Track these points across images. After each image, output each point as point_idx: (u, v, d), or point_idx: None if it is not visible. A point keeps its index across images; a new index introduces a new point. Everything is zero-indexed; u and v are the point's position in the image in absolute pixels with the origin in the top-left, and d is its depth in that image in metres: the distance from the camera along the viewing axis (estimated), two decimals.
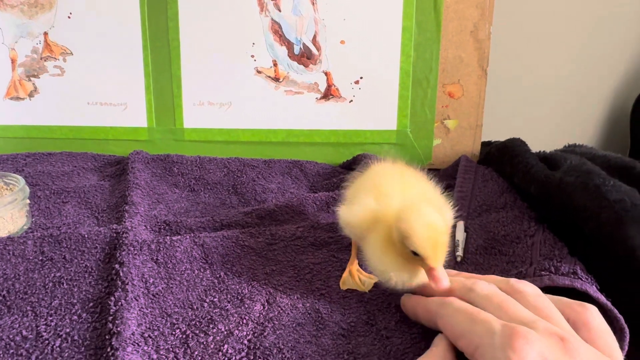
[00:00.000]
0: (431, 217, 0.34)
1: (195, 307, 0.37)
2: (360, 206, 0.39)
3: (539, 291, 0.32)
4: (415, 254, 0.33)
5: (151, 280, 0.39)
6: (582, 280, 0.37)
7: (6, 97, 0.68)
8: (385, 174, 0.42)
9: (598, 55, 0.85)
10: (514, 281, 0.32)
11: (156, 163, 0.63)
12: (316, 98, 0.66)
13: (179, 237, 0.45)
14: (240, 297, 0.38)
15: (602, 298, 0.34)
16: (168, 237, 0.44)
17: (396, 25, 0.63)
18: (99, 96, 0.68)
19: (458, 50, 0.64)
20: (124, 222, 0.48)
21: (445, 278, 0.33)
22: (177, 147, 0.68)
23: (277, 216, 0.52)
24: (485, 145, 0.68)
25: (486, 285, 0.32)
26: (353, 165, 0.65)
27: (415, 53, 0.64)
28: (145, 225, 0.49)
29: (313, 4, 0.64)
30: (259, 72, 0.66)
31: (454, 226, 0.50)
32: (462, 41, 0.64)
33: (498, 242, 0.46)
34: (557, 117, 0.88)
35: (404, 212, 0.35)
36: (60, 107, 0.68)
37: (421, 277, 0.36)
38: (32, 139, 0.69)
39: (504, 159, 0.52)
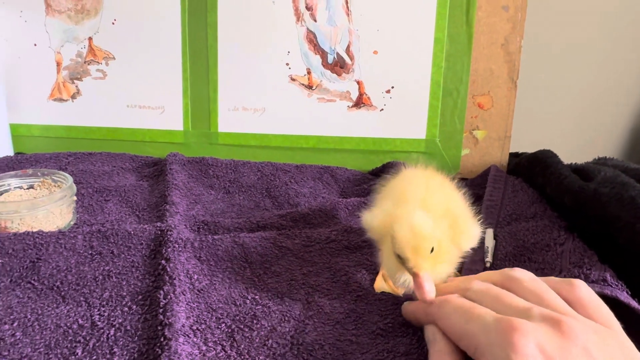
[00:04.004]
0: (416, 222, 0.34)
1: (238, 303, 0.39)
2: (380, 210, 0.41)
3: (533, 275, 0.32)
4: (400, 258, 0.34)
5: (195, 277, 0.41)
6: (611, 287, 0.38)
7: (50, 98, 0.71)
8: (412, 181, 0.44)
9: (626, 68, 0.85)
10: (507, 270, 0.33)
11: (192, 165, 0.66)
12: (348, 106, 0.68)
13: (220, 236, 0.47)
14: (280, 296, 0.40)
15: (634, 303, 0.35)
16: (210, 236, 0.46)
17: (428, 36, 0.65)
18: (138, 99, 0.70)
19: (489, 63, 0.66)
20: (166, 220, 0.50)
21: (430, 287, 0.33)
22: (211, 151, 0.70)
23: (310, 219, 0.54)
24: (513, 156, 0.69)
25: (481, 282, 0.33)
26: (382, 172, 0.67)
27: (447, 64, 0.65)
28: (185, 224, 0.51)
29: (348, 15, 0.65)
30: (293, 79, 0.68)
31: (483, 233, 0.51)
32: (493, 54, 0.65)
33: (527, 249, 0.47)
34: (584, 130, 0.88)
35: (397, 217, 0.36)
36: (100, 109, 0.71)
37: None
38: (72, 139, 0.72)
39: (535, 169, 0.53)
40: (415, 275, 0.34)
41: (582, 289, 0.30)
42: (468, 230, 0.39)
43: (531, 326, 0.27)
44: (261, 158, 0.69)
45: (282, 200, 0.60)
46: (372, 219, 0.41)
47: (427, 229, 0.34)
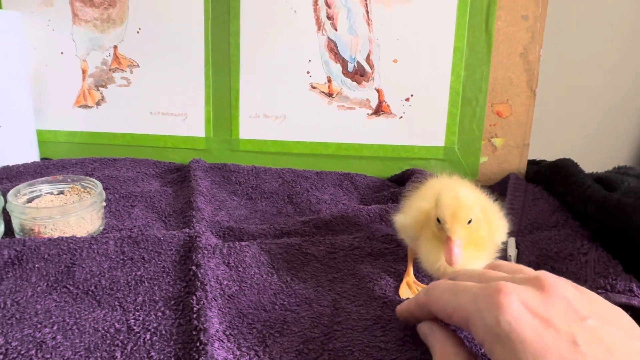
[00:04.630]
0: (460, 191, 0.38)
1: (267, 309, 0.40)
2: (415, 209, 0.43)
3: (515, 264, 0.35)
4: (439, 221, 0.37)
5: (225, 282, 0.42)
6: (638, 297, 0.38)
7: (75, 105, 0.73)
8: (443, 185, 0.45)
9: None
10: (491, 262, 0.36)
11: (214, 171, 0.67)
12: (367, 114, 0.69)
13: (247, 242, 0.48)
14: (308, 302, 0.41)
15: None
16: (237, 243, 0.47)
17: (448, 45, 0.66)
18: (161, 106, 0.72)
19: (508, 72, 0.66)
20: (193, 226, 0.51)
21: (458, 253, 0.36)
22: (232, 157, 0.72)
23: (333, 226, 0.55)
24: (531, 163, 0.69)
25: (466, 269, 0.35)
26: (402, 179, 0.68)
27: (466, 73, 0.66)
28: (211, 231, 0.52)
29: (368, 24, 0.66)
30: (313, 87, 0.69)
31: (505, 242, 0.52)
32: (512, 63, 0.66)
33: (551, 258, 0.47)
34: (601, 139, 0.88)
35: (442, 186, 0.39)
36: (124, 116, 0.72)
37: (469, 264, 0.38)
38: (96, 145, 0.73)
39: (556, 178, 0.54)
40: (448, 240, 0.36)
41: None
42: (500, 225, 0.42)
43: (514, 286, 0.28)
44: (281, 164, 0.70)
45: (304, 206, 0.61)
46: (406, 218, 0.44)
47: (469, 199, 0.37)
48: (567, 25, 0.82)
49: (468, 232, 0.37)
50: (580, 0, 0.81)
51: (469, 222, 0.37)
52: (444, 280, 0.33)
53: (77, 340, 0.35)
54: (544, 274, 0.29)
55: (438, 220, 0.37)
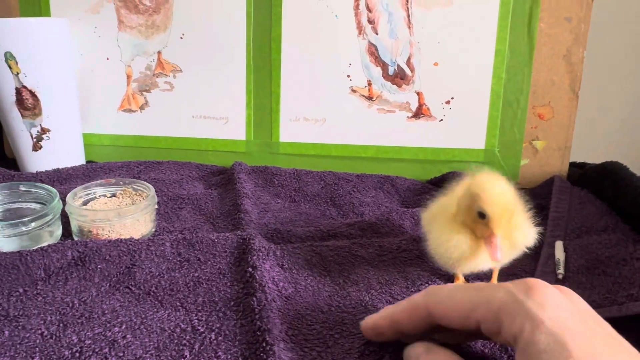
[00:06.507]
0: (504, 186, 0.38)
1: (324, 310, 0.41)
2: (434, 203, 0.45)
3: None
4: (481, 216, 0.37)
5: (281, 284, 0.43)
6: None
7: (120, 109, 0.75)
8: (478, 180, 0.45)
9: None
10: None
11: (257, 174, 0.68)
12: (407, 117, 0.69)
13: (299, 244, 0.49)
14: (363, 304, 0.42)
15: None
16: (289, 245, 0.48)
17: (489, 48, 0.66)
18: (203, 110, 0.73)
19: (550, 74, 0.66)
20: (243, 229, 0.52)
21: (501, 252, 0.36)
22: (272, 160, 0.73)
23: (378, 229, 0.55)
24: (572, 166, 0.69)
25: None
26: (442, 182, 0.68)
27: (507, 75, 0.66)
28: (260, 233, 0.53)
29: (409, 27, 0.67)
30: (353, 90, 0.70)
31: (552, 246, 0.52)
32: (555, 65, 0.66)
33: (602, 262, 0.47)
34: None
35: (478, 180, 0.39)
36: (167, 120, 0.74)
37: (476, 257, 0.39)
38: (140, 148, 0.75)
39: (604, 181, 0.53)
40: (491, 235, 0.37)
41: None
42: (522, 226, 0.41)
43: (545, 283, 0.28)
44: (320, 167, 0.71)
45: (347, 209, 0.62)
46: (426, 212, 0.46)
47: (513, 195, 0.38)
48: (610, 26, 0.81)
49: (506, 230, 0.38)
50: (624, 1, 0.80)
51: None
52: (444, 285, 0.33)
53: (147, 340, 0.36)
54: (530, 280, 0.28)
55: (480, 214, 0.37)
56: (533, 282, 0.28)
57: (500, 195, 0.37)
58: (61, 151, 0.71)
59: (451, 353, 0.31)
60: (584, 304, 0.28)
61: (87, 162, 0.75)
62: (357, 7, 0.67)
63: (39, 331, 0.37)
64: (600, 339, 0.25)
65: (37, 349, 0.35)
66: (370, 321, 0.35)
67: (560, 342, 0.24)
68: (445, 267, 0.43)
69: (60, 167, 0.69)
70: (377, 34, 0.67)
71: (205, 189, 0.66)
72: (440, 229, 0.41)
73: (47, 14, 0.73)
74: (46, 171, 0.68)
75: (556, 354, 0.24)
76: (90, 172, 0.69)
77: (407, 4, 0.66)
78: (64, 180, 0.66)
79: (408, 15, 0.67)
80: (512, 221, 0.39)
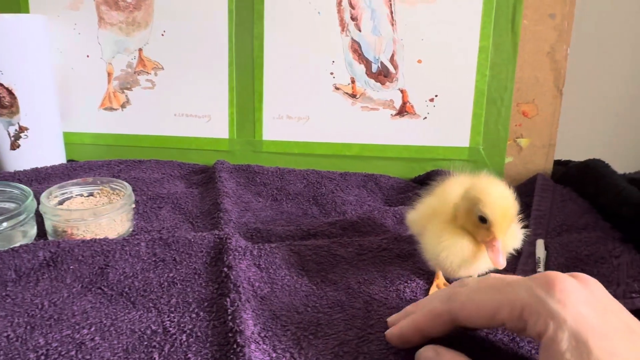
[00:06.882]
0: (505, 190, 0.37)
1: (299, 311, 0.40)
2: (423, 204, 0.45)
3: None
4: (482, 221, 0.36)
5: (257, 284, 0.43)
6: None
7: (100, 107, 0.74)
8: (471, 182, 0.45)
9: None
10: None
11: (239, 173, 0.67)
12: (391, 114, 0.69)
13: (276, 244, 0.48)
14: (340, 304, 0.41)
15: None
16: (267, 244, 0.48)
17: (473, 45, 0.65)
18: (185, 108, 0.72)
19: (534, 71, 0.66)
20: (222, 228, 0.52)
21: (504, 256, 0.35)
22: (256, 158, 0.72)
23: (360, 228, 0.55)
24: (557, 164, 0.68)
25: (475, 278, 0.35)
26: (426, 180, 0.67)
27: (491, 73, 0.66)
28: (239, 232, 0.52)
29: (392, 24, 0.66)
30: (337, 88, 0.69)
31: (534, 244, 0.51)
32: (539, 62, 0.65)
33: (581, 261, 0.47)
34: (628, 139, 0.87)
35: (478, 183, 0.38)
36: (149, 118, 0.73)
37: (477, 261, 0.38)
38: (121, 147, 0.74)
39: (586, 179, 0.53)
40: (493, 240, 0.36)
41: None
42: (513, 228, 0.40)
43: (564, 275, 0.28)
44: (304, 166, 0.70)
45: (329, 208, 0.61)
46: (414, 212, 0.45)
47: (513, 201, 0.37)
48: (594, 23, 0.81)
49: (506, 235, 0.37)
50: None
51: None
52: (470, 281, 0.33)
53: (115, 342, 0.35)
54: (549, 274, 0.28)
55: (481, 219, 0.36)
56: (552, 276, 0.28)
57: (502, 199, 0.36)
58: (40, 150, 0.69)
59: (461, 355, 0.31)
60: (602, 291, 0.29)
61: (68, 161, 0.74)
62: (340, 3, 0.67)
63: (5, 334, 0.36)
64: (619, 334, 0.26)
65: (1, 352, 0.34)
66: (396, 332, 0.35)
67: (582, 340, 0.25)
68: (443, 271, 0.42)
69: (39, 166, 0.68)
70: (360, 30, 0.67)
71: (186, 188, 0.65)
72: (439, 234, 0.40)
73: (25, 10, 0.72)
74: (24, 170, 0.67)
75: (578, 352, 0.25)
76: (70, 171, 0.67)
77: (390, 1, 0.66)
78: (42, 179, 0.65)
79: (391, 12, 0.66)
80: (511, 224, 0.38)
